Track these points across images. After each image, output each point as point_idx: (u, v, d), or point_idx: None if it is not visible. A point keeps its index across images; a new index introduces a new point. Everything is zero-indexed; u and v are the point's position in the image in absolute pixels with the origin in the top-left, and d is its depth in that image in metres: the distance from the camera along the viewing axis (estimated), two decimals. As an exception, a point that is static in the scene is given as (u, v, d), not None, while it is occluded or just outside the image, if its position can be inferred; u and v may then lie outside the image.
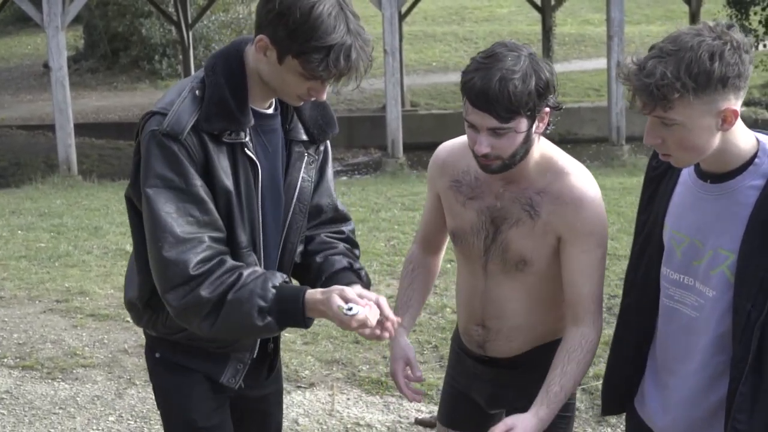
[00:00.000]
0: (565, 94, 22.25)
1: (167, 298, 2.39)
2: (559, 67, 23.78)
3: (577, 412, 4.90)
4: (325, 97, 2.47)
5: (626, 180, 12.42)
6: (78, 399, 5.39)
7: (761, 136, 2.36)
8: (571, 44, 26.43)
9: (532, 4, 22.78)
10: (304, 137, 2.65)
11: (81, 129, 19.52)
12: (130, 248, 8.88)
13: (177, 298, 2.37)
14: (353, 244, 2.83)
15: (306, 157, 2.66)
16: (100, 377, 5.71)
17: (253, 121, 2.47)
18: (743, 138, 2.31)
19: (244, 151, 2.47)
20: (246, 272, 2.39)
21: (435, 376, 5.34)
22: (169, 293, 2.38)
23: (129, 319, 6.57)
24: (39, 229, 10.26)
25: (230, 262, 2.41)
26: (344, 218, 2.87)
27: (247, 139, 2.47)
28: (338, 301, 2.37)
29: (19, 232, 10.14)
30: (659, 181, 2.56)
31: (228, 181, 2.44)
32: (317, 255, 2.74)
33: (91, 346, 6.25)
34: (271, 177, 2.58)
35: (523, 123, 2.54)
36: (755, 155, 2.31)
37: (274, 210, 2.61)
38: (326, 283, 2.61)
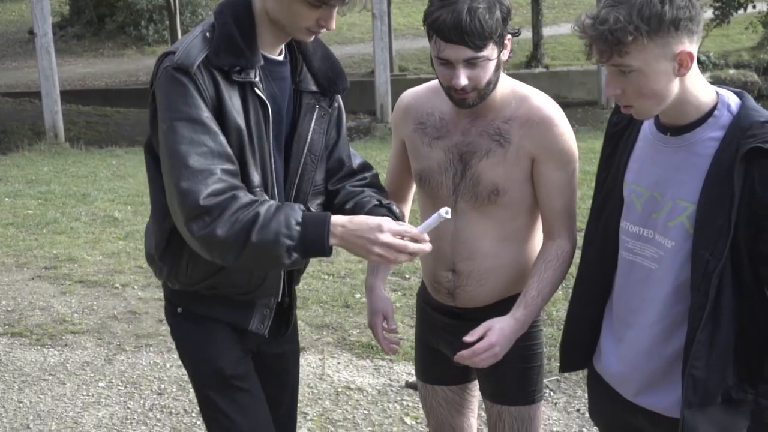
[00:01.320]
0: (554, 57, 22.17)
1: (189, 228, 2.35)
2: (548, 31, 23.75)
3: (558, 405, 4.91)
4: (334, 26, 2.47)
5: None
6: (68, 365, 5.39)
7: (721, 90, 2.39)
8: (560, 7, 26.29)
9: (520, -33, 22.68)
10: (314, 88, 2.67)
11: (67, 96, 19.43)
12: (118, 215, 8.98)
13: (197, 230, 2.34)
14: (379, 188, 2.86)
15: (317, 110, 2.67)
16: (90, 343, 5.71)
17: (262, 61, 2.49)
18: (703, 90, 2.35)
19: (254, 91, 2.48)
20: (263, 209, 2.36)
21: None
22: (190, 224, 2.35)
23: (118, 284, 6.71)
24: (26, 196, 10.23)
25: (243, 197, 2.38)
26: (366, 167, 2.90)
27: (257, 79, 2.48)
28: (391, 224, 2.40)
29: (7, 199, 10.10)
30: (619, 137, 2.60)
31: (240, 119, 2.44)
32: (346, 204, 2.74)
33: (80, 312, 6.25)
34: (277, 124, 2.58)
35: (494, 50, 2.63)
36: (714, 107, 2.35)
37: (277, 155, 2.61)
38: None
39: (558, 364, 2.83)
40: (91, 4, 26.92)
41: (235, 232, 2.33)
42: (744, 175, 2.25)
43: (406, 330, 5.55)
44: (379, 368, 5.23)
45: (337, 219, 2.39)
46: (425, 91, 2.94)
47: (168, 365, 5.34)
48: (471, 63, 2.61)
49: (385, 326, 3.02)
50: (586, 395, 2.86)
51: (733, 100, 2.37)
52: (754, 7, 17.82)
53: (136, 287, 6.75)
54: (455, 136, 2.82)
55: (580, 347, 2.74)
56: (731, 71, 19.86)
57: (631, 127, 2.57)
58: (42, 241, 8.06)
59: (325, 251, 2.38)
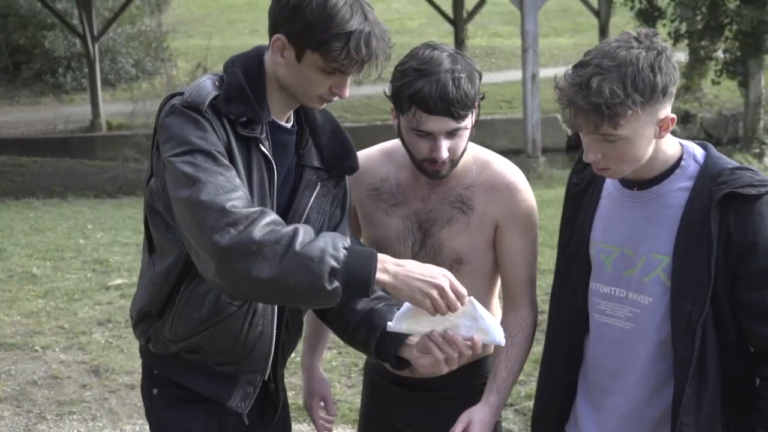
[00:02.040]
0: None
1: (214, 240, 2.08)
2: (471, 80, 23.89)
3: None
4: (348, 93, 2.35)
5: (544, 192, 12.40)
6: (-17, 437, 5.07)
7: (684, 141, 2.45)
8: (482, 56, 26.54)
9: (444, 17, 22.90)
10: (318, 164, 2.49)
11: (-18, 145, 18.90)
12: (36, 271, 8.63)
13: (223, 239, 2.08)
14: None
15: (318, 187, 2.49)
16: (8, 412, 5.41)
17: (270, 117, 2.36)
18: (669, 143, 2.38)
19: (260, 148, 2.33)
20: (302, 228, 2.13)
21: (364, 402, 5.15)
22: (215, 235, 2.08)
23: (38, 347, 6.38)
24: (-62, 251, 9.78)
25: (275, 214, 2.16)
26: None
27: (264, 136, 2.34)
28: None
29: None
30: (581, 197, 2.57)
31: (243, 176, 2.27)
32: (355, 303, 2.49)
33: (-4, 378, 5.92)
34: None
35: (470, 120, 2.59)
36: (680, 158, 2.39)
37: None
38: (386, 338, 2.43)
39: None
40: (7, 51, 26.35)
41: (276, 237, 2.09)
42: (719, 221, 2.27)
43: (343, 391, 5.37)
44: (317, 433, 5.00)
45: (387, 257, 2.21)
46: (378, 154, 2.82)
47: (93, 435, 5.05)
48: (451, 134, 2.54)
49: (324, 415, 2.99)
50: None
51: (697, 150, 2.41)
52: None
53: (57, 349, 6.42)
54: (414, 203, 2.73)
55: (553, 418, 2.65)
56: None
57: (593, 186, 2.54)
58: (-45, 300, 7.68)
59: (368, 285, 2.14)
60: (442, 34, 27.06)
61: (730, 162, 2.38)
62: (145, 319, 2.48)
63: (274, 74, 2.36)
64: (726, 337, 2.32)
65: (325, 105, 2.41)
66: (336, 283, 2.10)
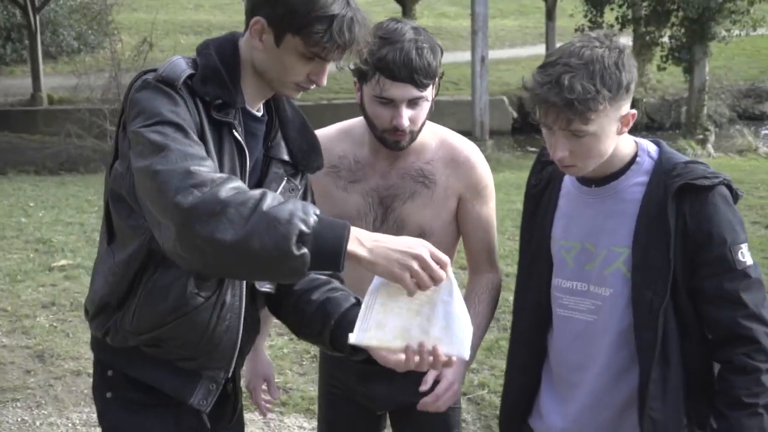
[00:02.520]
0: (424, 86, 22.28)
1: (176, 201, 1.95)
2: (418, 60, 23.79)
3: (464, 424, 4.79)
4: (325, 81, 2.29)
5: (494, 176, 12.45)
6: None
7: (638, 139, 2.54)
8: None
9: (392, -4, 22.81)
10: (286, 157, 2.41)
11: None
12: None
13: (186, 199, 1.95)
14: (341, 279, 2.53)
15: (284, 182, 2.40)
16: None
17: (244, 103, 2.29)
18: (625, 140, 2.47)
19: (233, 133, 2.26)
20: (270, 192, 2.01)
21: (316, 388, 5.10)
22: (178, 195, 1.96)
23: None
24: None
25: (242, 182, 2.06)
26: None
27: (237, 122, 2.27)
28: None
29: None
30: (540, 197, 2.64)
31: (214, 159, 2.18)
32: (311, 294, 2.42)
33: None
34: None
35: (431, 91, 2.65)
36: (636, 155, 2.48)
37: None
38: (340, 326, 2.32)
39: None
40: (-56, 20, 25.75)
41: (242, 199, 1.96)
42: (676, 212, 2.38)
43: (295, 379, 5.31)
44: (268, 422, 4.93)
45: (361, 230, 2.07)
46: (335, 132, 2.85)
47: (38, 423, 4.89)
48: (413, 103, 2.61)
49: (267, 397, 3.01)
50: None
51: (651, 147, 2.51)
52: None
53: (-1, 333, 6.28)
54: (373, 179, 2.77)
55: (519, 413, 2.72)
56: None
57: (551, 185, 2.63)
58: None
59: (339, 256, 2.00)
60: (389, 12, 26.89)
61: (683, 157, 2.49)
62: (104, 310, 2.36)
63: (249, 60, 2.30)
64: (686, 325, 2.42)
65: (300, 94, 2.34)
66: (304, 249, 1.97)
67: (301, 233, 1.96)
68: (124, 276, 2.29)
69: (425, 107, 2.65)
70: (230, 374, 2.46)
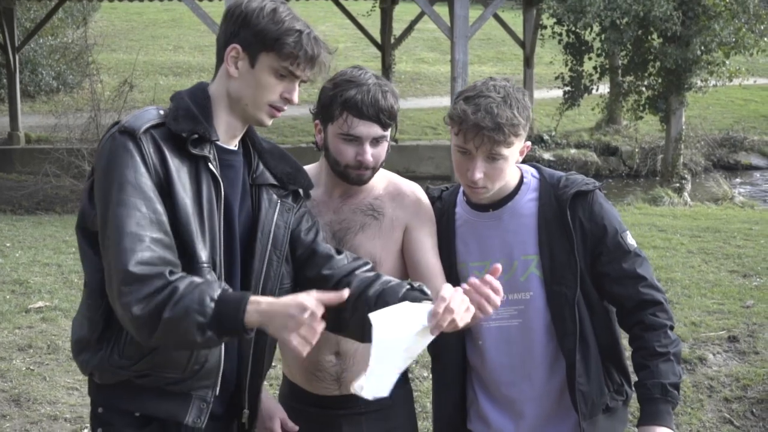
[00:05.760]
0: (402, 131, 22.33)
1: (115, 295, 2.33)
2: (397, 105, 23.87)
3: None
4: (297, 99, 2.54)
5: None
6: None
7: (518, 164, 2.94)
8: (408, 82, 26.66)
9: (371, 41, 22.93)
10: (273, 181, 2.66)
11: None
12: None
13: (121, 300, 2.32)
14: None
15: (280, 204, 2.65)
16: None
17: (218, 137, 2.50)
18: (513, 168, 2.91)
19: (208, 167, 2.47)
20: (182, 285, 2.31)
21: None
22: (120, 287, 2.32)
23: None
24: None
25: (171, 275, 2.33)
26: (360, 257, 2.81)
27: (211, 156, 2.48)
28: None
29: None
30: (438, 228, 3.02)
31: (185, 195, 2.42)
32: (368, 289, 2.60)
33: None
34: (228, 209, 2.56)
35: (389, 132, 2.91)
36: (522, 177, 2.95)
37: (230, 240, 2.57)
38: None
39: None
40: None
41: (149, 310, 2.29)
42: (572, 216, 2.85)
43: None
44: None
45: (259, 297, 2.32)
46: None
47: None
48: (376, 141, 2.87)
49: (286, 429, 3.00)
50: None
51: (531, 169, 3.00)
52: (597, 89, 18.50)
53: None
54: (327, 215, 2.99)
55: (455, 428, 3.05)
56: (572, 151, 20.51)
57: (445, 216, 3.03)
58: None
59: (240, 327, 2.31)
60: (368, 57, 27.17)
61: (559, 172, 2.99)
62: (86, 348, 2.49)
63: (222, 94, 2.53)
64: (592, 306, 2.89)
65: (271, 121, 2.56)
66: (209, 333, 2.30)
67: (200, 324, 2.27)
68: (98, 310, 2.45)
69: (385, 146, 2.91)
70: (247, 404, 2.65)
